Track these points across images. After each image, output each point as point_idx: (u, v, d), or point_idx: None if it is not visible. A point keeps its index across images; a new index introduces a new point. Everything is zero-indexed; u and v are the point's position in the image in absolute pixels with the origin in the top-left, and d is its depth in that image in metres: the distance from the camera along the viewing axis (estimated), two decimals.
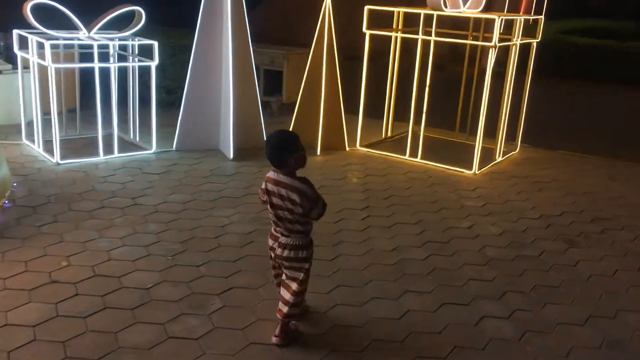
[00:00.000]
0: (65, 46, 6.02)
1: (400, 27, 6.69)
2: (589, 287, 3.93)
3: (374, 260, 4.08)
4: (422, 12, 6.22)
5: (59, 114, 5.70)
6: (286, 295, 3.07)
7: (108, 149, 5.79)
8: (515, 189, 5.73)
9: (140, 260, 3.84)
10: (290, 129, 6.53)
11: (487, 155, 6.45)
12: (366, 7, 6.34)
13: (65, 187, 4.98)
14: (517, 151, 6.96)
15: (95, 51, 5.49)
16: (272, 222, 3.10)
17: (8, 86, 6.55)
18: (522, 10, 15.62)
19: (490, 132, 6.44)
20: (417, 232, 4.61)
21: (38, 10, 5.48)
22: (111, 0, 6.00)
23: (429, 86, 6.20)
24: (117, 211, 4.58)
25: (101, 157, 5.71)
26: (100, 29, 5.77)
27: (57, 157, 5.50)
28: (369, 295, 3.62)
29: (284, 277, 3.11)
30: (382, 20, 6.70)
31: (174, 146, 6.21)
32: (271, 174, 3.07)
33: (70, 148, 5.94)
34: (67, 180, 5.13)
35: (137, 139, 6.28)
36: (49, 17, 5.61)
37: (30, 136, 6.00)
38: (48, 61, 5.25)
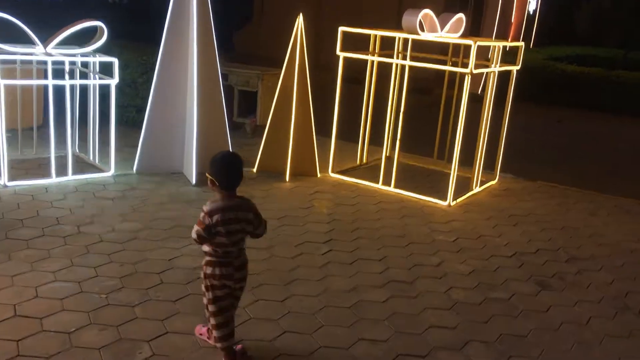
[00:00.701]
0: (25, 62, 5.73)
1: (377, 50, 6.44)
2: (560, 337, 3.62)
3: (329, 302, 3.76)
4: (398, 35, 6.00)
5: (10, 131, 5.37)
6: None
7: (62, 171, 5.47)
8: (490, 223, 5.44)
9: (69, 298, 3.50)
10: (260, 153, 6.27)
11: (464, 185, 6.18)
12: (340, 29, 6.11)
13: (7, 212, 4.65)
14: (495, 181, 6.68)
15: (50, 68, 5.20)
16: (222, 252, 2.93)
17: None
18: (510, 36, 15.51)
19: (469, 160, 6.18)
20: (381, 269, 4.30)
21: None
22: (75, 14, 5.72)
23: (404, 112, 5.94)
24: (57, 240, 4.24)
25: (53, 179, 5.37)
26: (60, 44, 5.49)
27: (4, 179, 5.17)
28: (317, 344, 3.30)
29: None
30: (366, 42, 6.44)
31: (135, 168, 5.89)
32: (219, 204, 2.90)
33: (23, 169, 5.62)
34: (11, 205, 4.79)
35: (97, 160, 5.97)
36: (7, 32, 5.31)
37: None
38: None
